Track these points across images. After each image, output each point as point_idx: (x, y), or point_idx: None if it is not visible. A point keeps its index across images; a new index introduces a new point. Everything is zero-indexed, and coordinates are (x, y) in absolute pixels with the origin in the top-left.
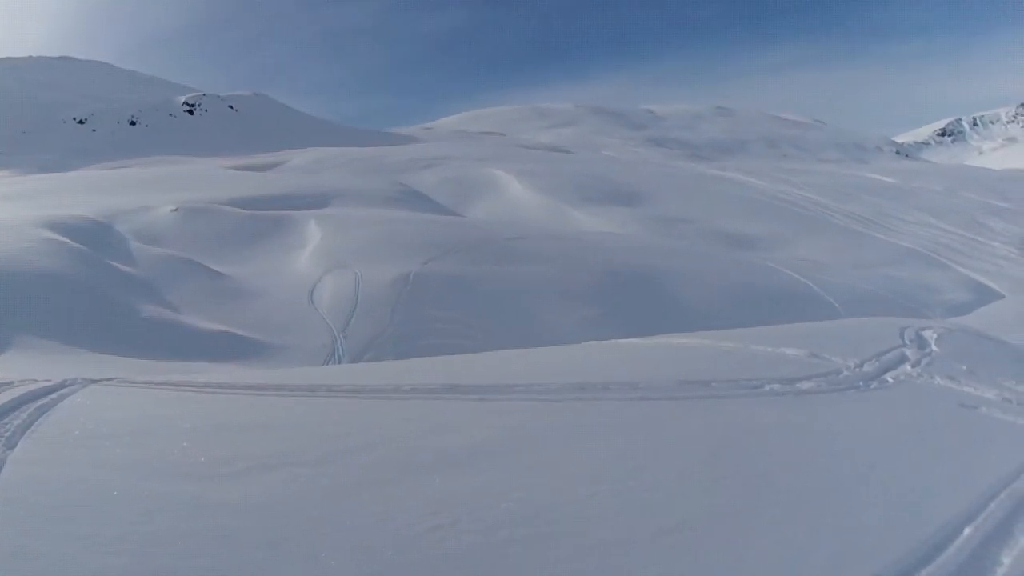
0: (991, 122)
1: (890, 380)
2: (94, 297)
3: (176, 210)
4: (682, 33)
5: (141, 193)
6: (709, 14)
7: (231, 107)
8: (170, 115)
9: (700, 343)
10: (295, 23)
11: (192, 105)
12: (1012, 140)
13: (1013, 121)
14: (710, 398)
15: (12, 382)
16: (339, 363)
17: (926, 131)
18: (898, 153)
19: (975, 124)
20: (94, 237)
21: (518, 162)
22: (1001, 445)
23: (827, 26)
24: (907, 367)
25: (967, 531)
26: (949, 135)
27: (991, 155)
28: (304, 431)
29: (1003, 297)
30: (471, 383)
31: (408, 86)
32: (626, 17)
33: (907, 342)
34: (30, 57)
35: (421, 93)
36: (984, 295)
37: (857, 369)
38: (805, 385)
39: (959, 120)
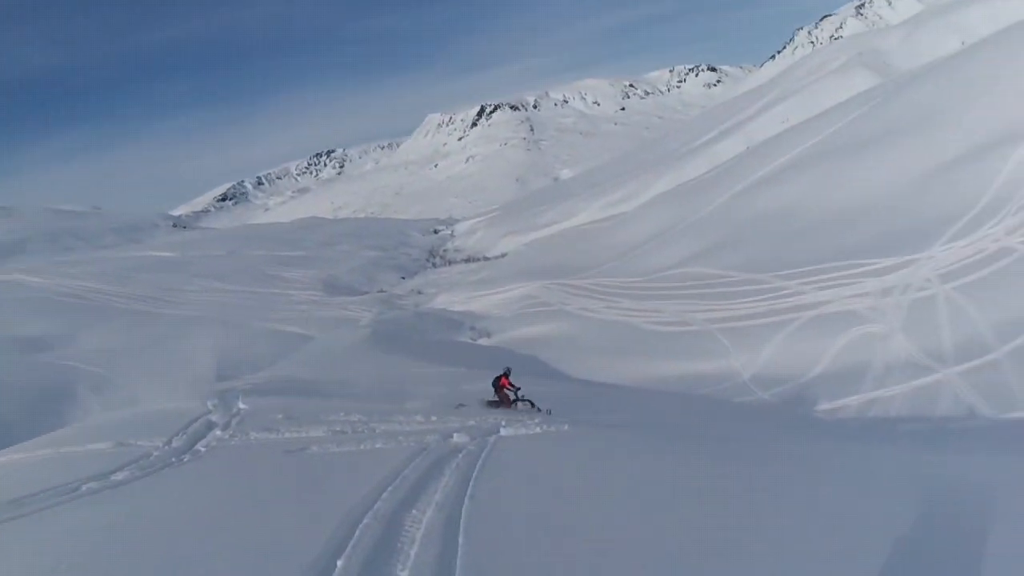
0: (279, 177)
1: (202, 449)
2: None
3: None
4: None
5: None
6: None
7: None
8: None
9: (10, 459)
10: None
11: None
12: (304, 190)
13: (305, 172)
14: (21, 518)
15: None
16: None
17: (205, 199)
18: (175, 226)
19: (260, 183)
20: None
21: None
22: (348, 474)
23: (103, 110)
24: (217, 432)
25: (340, 563)
26: (231, 199)
27: (279, 209)
28: None
29: (314, 338)
30: None
31: None
32: None
33: (212, 408)
34: None
35: None
36: (293, 342)
37: (166, 447)
38: (119, 476)
39: (241, 182)
